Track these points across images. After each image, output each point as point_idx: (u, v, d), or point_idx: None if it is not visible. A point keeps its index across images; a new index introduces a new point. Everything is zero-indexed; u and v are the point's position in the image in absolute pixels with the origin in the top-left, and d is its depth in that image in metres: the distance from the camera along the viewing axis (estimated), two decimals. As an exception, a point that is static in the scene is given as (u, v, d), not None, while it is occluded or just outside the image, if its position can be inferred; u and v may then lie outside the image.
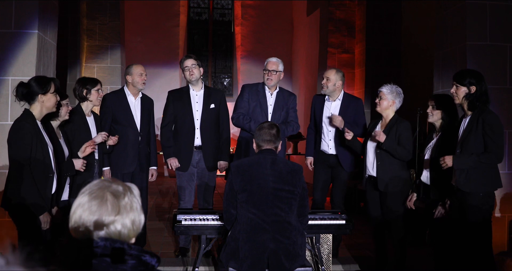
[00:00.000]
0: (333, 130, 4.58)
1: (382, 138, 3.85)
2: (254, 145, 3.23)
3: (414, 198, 3.92)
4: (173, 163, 4.44)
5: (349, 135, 4.17)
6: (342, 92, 4.66)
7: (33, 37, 4.31)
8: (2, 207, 3.19)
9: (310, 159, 4.73)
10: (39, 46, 4.36)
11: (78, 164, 3.48)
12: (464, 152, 3.35)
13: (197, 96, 4.53)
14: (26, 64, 4.30)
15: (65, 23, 8.01)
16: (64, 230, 3.38)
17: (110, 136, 4.11)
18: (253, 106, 4.51)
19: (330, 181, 4.69)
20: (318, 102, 4.72)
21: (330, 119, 4.48)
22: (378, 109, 4.05)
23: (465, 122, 3.44)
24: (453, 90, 3.48)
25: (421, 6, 8.51)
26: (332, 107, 4.61)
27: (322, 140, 4.65)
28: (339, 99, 4.62)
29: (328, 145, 4.60)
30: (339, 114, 4.51)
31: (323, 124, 4.63)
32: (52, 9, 4.70)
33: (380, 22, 8.50)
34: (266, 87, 4.58)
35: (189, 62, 4.45)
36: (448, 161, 3.34)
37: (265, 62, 4.58)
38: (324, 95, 4.68)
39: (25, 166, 3.02)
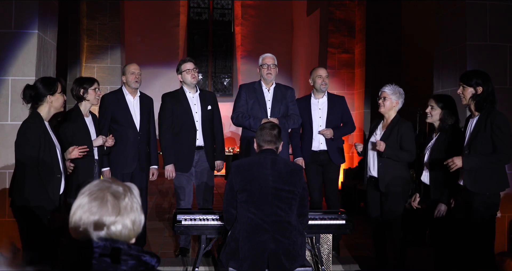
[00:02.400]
0: (323, 125, 4.72)
1: (382, 147, 3.85)
2: (255, 145, 3.24)
3: (418, 199, 3.92)
4: (170, 173, 4.45)
5: (359, 146, 4.17)
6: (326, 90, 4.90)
7: (33, 37, 4.31)
8: (11, 207, 3.17)
9: (300, 160, 4.78)
10: (39, 46, 4.36)
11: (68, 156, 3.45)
12: (473, 152, 3.34)
13: (194, 98, 4.54)
14: (26, 64, 4.29)
15: (65, 23, 8.01)
16: (64, 230, 3.37)
17: (107, 137, 4.10)
18: (251, 103, 4.55)
19: (322, 180, 4.76)
20: (302, 104, 4.83)
21: (323, 134, 4.65)
22: (382, 110, 4.04)
23: (472, 123, 3.43)
24: (459, 91, 3.48)
25: (421, 6, 8.51)
26: (320, 103, 4.80)
27: (313, 137, 4.72)
28: (325, 96, 4.83)
29: (319, 140, 4.70)
30: (328, 110, 4.77)
31: (313, 121, 4.74)
32: (52, 9, 4.70)
33: (380, 22, 8.50)
34: (263, 84, 4.62)
35: (192, 65, 4.48)
36: (458, 161, 3.30)
37: (261, 58, 4.63)
38: (307, 97, 4.88)
39: (32, 167, 3.02)
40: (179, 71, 4.52)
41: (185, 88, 4.55)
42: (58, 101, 3.18)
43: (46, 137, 3.09)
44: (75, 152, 3.57)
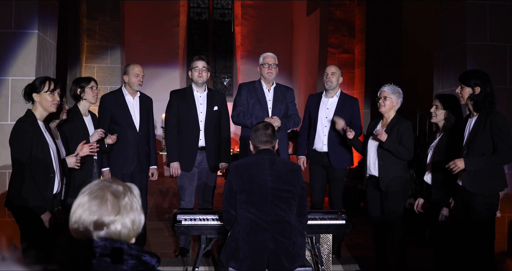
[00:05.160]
0: (328, 126, 4.64)
1: (383, 137, 3.84)
2: (251, 147, 3.23)
3: (421, 202, 3.91)
4: (176, 170, 4.44)
5: (351, 134, 4.18)
6: (339, 90, 4.75)
7: (33, 37, 4.31)
8: (5, 207, 3.18)
9: (302, 158, 4.75)
10: (39, 46, 4.36)
11: (71, 162, 3.40)
12: (471, 153, 3.34)
13: (200, 98, 4.53)
14: (26, 64, 4.29)
15: (65, 23, 8.01)
16: (63, 230, 3.37)
17: (109, 135, 4.11)
18: (252, 103, 4.53)
19: (326, 181, 4.71)
20: (313, 100, 4.79)
21: (333, 122, 4.47)
22: (383, 110, 4.03)
23: (471, 123, 3.43)
24: (458, 90, 3.47)
25: (421, 6, 8.51)
26: (329, 103, 4.68)
27: (316, 137, 4.67)
28: (336, 96, 4.69)
29: (323, 141, 4.63)
30: (336, 111, 4.61)
31: (319, 120, 4.67)
32: (52, 9, 4.69)
33: (380, 22, 8.50)
34: (264, 83, 4.60)
35: (201, 64, 4.46)
36: (460, 164, 3.28)
37: (261, 58, 4.61)
38: (320, 94, 4.79)
39: (25, 166, 3.02)
40: (190, 67, 4.55)
41: (193, 87, 4.55)
42: (45, 101, 3.15)
43: (39, 136, 3.09)
44: (85, 150, 3.55)
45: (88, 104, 4.05)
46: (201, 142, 4.48)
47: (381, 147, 3.93)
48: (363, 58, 8.72)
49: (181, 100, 4.50)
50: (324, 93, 4.74)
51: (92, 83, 4.02)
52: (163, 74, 12.63)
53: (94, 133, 3.98)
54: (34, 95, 3.13)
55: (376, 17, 8.52)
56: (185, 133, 4.47)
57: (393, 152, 3.89)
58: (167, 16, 13.01)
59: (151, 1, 12.48)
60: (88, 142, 3.86)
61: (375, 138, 3.96)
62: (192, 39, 13.65)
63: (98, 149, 3.75)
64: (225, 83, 13.87)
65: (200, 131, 4.47)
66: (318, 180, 4.67)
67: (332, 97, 4.68)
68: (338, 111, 4.60)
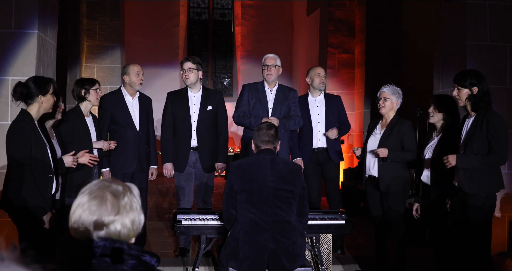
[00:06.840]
0: (322, 121, 4.79)
1: (385, 153, 3.84)
2: (253, 146, 3.24)
3: (417, 206, 3.93)
4: (169, 171, 4.46)
5: (358, 151, 4.19)
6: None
7: (33, 37, 4.31)
8: (1, 208, 3.16)
9: (299, 160, 4.78)
10: (39, 46, 4.36)
11: (69, 161, 3.37)
12: (468, 152, 3.34)
13: (194, 98, 4.52)
14: (26, 64, 4.29)
15: (65, 23, 8.01)
16: (63, 230, 3.36)
17: (109, 141, 4.11)
18: (253, 103, 4.55)
19: (321, 179, 4.80)
20: (301, 102, 4.87)
21: (328, 135, 4.70)
22: (383, 111, 4.03)
23: (468, 123, 3.42)
24: (455, 93, 3.45)
25: (421, 6, 8.51)
26: (317, 101, 4.88)
27: (312, 135, 4.77)
28: (322, 94, 4.92)
29: (318, 136, 4.77)
30: (326, 107, 4.86)
31: (312, 118, 4.81)
32: (52, 9, 4.69)
33: (380, 22, 8.50)
34: (266, 84, 4.62)
35: (186, 66, 4.43)
36: (452, 160, 3.31)
37: (263, 59, 4.66)
38: (305, 95, 4.96)
39: (25, 166, 3.00)
40: None
41: (188, 87, 4.55)
42: (49, 102, 3.15)
43: (36, 136, 3.08)
44: (84, 158, 3.54)
45: (91, 105, 4.07)
46: (194, 142, 4.46)
47: (384, 160, 3.92)
48: (363, 58, 8.72)
49: (176, 101, 4.50)
50: (309, 94, 4.92)
51: (97, 85, 4.05)
52: (163, 74, 12.63)
53: (100, 142, 3.99)
54: (40, 97, 3.12)
55: (376, 17, 8.52)
56: (179, 134, 4.48)
57: (399, 161, 3.90)
58: (167, 16, 13.02)
59: (151, 1, 12.48)
60: (91, 150, 3.86)
61: (375, 137, 3.96)
62: (192, 39, 13.66)
63: (96, 163, 3.75)
64: (225, 83, 13.88)
65: (193, 132, 4.46)
66: (314, 179, 4.75)
67: (319, 95, 4.88)
68: (328, 107, 4.83)
